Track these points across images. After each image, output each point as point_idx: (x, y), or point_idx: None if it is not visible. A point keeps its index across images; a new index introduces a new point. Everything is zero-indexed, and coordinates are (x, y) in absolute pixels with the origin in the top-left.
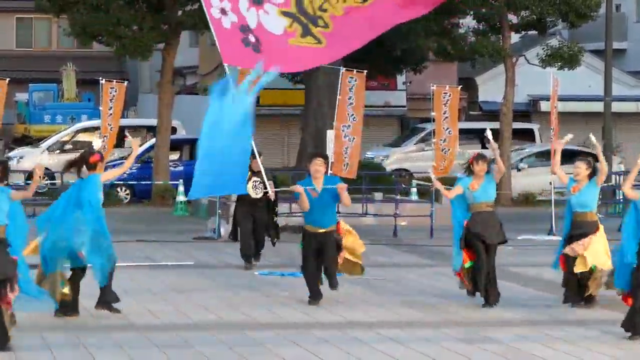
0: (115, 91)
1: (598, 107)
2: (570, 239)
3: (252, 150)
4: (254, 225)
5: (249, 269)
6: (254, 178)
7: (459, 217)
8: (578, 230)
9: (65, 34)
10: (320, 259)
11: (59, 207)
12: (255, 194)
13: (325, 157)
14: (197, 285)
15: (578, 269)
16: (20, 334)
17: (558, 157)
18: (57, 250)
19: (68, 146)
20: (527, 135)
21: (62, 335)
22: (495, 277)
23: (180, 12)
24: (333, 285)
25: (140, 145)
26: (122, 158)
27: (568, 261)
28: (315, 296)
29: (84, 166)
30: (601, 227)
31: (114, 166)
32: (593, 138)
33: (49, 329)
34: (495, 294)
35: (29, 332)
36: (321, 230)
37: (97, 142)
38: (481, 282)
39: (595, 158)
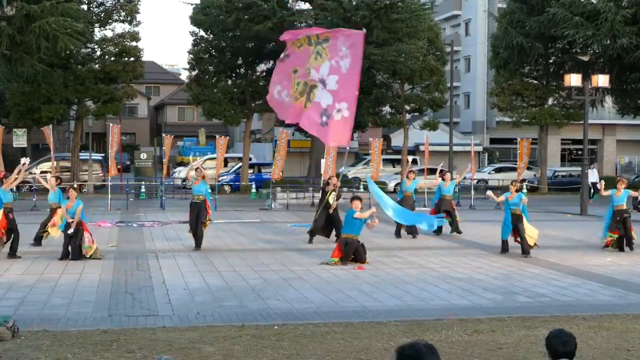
0: (222, 141)
1: (446, 148)
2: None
3: (338, 174)
4: (328, 218)
5: (310, 243)
6: (333, 192)
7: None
8: (442, 207)
9: (200, 115)
10: (356, 250)
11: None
12: (333, 200)
13: (361, 200)
14: (259, 230)
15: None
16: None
17: (458, 175)
18: None
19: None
20: (414, 162)
21: (186, 254)
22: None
23: (253, 105)
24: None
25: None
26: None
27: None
28: (345, 259)
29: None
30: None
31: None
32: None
33: (178, 251)
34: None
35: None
36: (355, 237)
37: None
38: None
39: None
